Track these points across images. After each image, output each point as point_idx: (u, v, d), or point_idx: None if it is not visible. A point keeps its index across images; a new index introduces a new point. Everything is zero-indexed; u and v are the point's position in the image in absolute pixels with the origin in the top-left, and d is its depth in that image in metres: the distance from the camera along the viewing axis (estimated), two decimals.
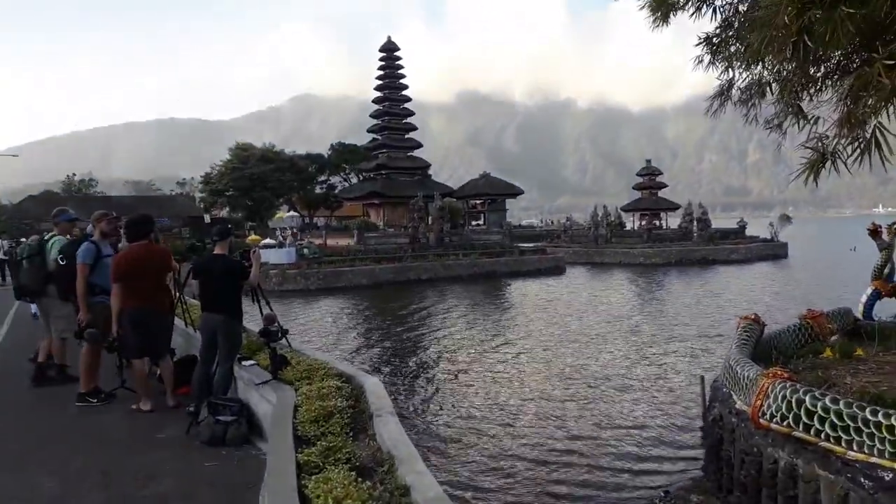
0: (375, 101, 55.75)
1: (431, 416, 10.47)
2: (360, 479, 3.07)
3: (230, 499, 4.20)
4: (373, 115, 56.38)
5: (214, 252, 6.15)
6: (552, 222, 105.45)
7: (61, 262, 6.98)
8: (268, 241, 35.15)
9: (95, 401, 6.61)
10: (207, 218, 63.51)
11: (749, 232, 50.90)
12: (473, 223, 53.19)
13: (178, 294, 7.49)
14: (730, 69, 6.22)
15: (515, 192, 55.16)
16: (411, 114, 56.25)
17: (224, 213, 72.45)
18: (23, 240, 16.66)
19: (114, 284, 6.14)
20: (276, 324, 6.19)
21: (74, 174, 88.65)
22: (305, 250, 33.28)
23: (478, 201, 54.02)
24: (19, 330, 11.58)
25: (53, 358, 7.59)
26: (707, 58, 6.37)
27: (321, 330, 19.08)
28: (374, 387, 4.93)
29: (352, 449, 3.65)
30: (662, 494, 7.10)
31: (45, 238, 7.51)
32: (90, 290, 6.68)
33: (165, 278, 6.70)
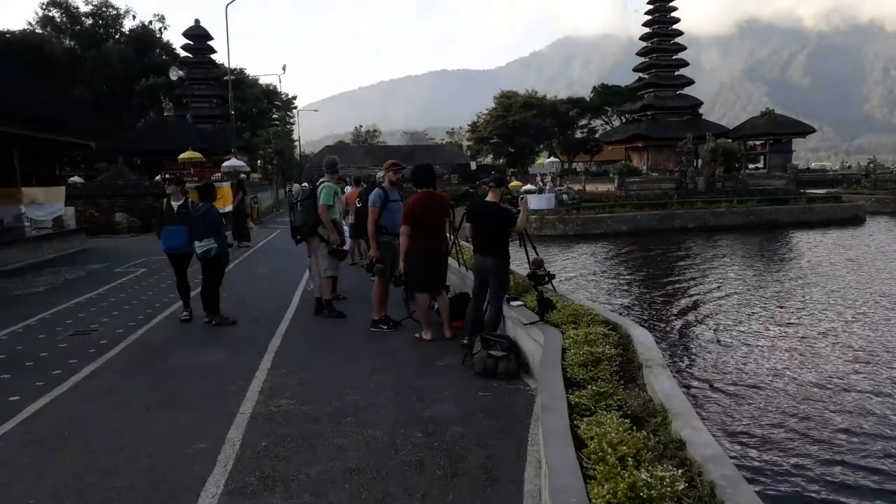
0: (643, 37, 52.72)
1: (697, 373, 10.00)
2: (633, 428, 3.07)
3: (503, 427, 4.51)
4: (639, 53, 53.51)
5: (487, 199, 6.48)
6: (849, 165, 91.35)
7: (358, 205, 7.95)
8: (528, 186, 35.89)
9: (385, 328, 7.50)
10: (473, 165, 66.76)
11: None
12: (751, 167, 48.37)
13: (452, 236, 8.06)
14: None
15: (804, 132, 48.64)
16: (682, 48, 52.22)
17: (488, 159, 75.50)
18: (304, 184, 19.18)
19: (403, 226, 6.83)
20: (542, 268, 6.36)
21: (361, 126, 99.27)
22: (564, 196, 33.36)
23: (757, 142, 48.78)
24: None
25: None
26: None
27: (578, 276, 19.16)
28: (642, 337, 4.84)
29: (623, 397, 3.65)
30: None
31: (318, 184, 8.36)
32: (378, 231, 7.52)
33: (445, 222, 7.24)
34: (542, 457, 3.25)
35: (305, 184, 9.03)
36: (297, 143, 71.15)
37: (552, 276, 6.33)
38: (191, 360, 6.55)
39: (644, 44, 52.65)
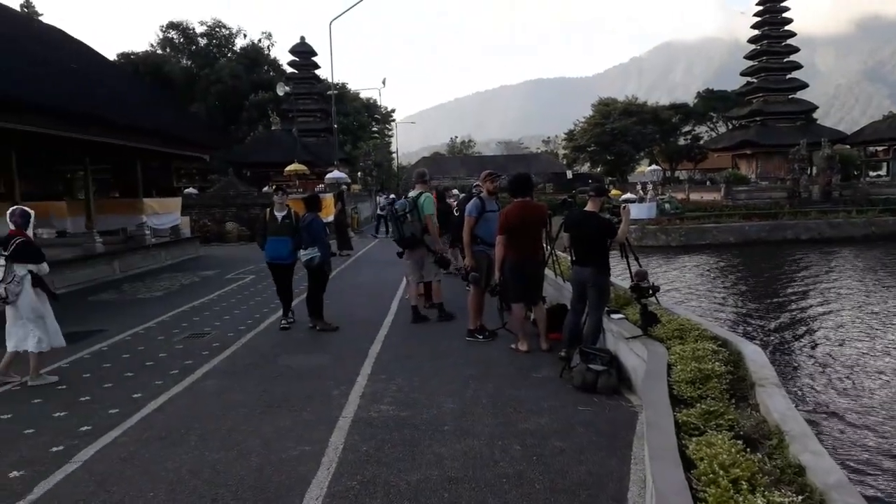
0: (751, 40, 50.41)
1: (812, 395, 9.36)
2: (746, 450, 2.90)
3: (604, 443, 4.39)
4: (747, 57, 51.16)
5: (586, 208, 6.35)
6: None
7: (455, 213, 8.02)
8: (627, 195, 34.99)
9: (481, 337, 7.50)
10: (569, 174, 65.91)
11: None
12: (872, 174, 45.07)
13: (549, 247, 7.96)
14: None
15: None
16: (794, 50, 49.47)
17: (585, 168, 74.30)
18: (392, 196, 19.28)
19: (499, 236, 6.81)
20: (646, 280, 6.16)
21: (456, 136, 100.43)
22: (667, 205, 32.29)
23: (879, 148, 45.34)
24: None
25: (431, 298, 9.00)
26: None
27: (682, 289, 18.43)
28: (754, 354, 4.58)
29: (734, 417, 3.46)
30: None
31: (416, 195, 8.41)
32: (472, 240, 7.54)
33: (542, 232, 7.17)
34: (648, 476, 3.13)
35: (392, 195, 9.34)
36: (394, 155, 72.81)
37: (656, 289, 6.12)
38: (296, 363, 6.80)
39: (752, 46, 50.34)
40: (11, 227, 6.25)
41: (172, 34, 58.70)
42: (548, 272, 8.15)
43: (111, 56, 40.78)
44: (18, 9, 38.40)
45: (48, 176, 19.80)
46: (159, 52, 57.73)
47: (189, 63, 57.41)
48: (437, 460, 4.16)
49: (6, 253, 6.07)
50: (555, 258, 8.28)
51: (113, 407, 5.47)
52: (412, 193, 8.58)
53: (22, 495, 3.84)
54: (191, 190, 34.35)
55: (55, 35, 17.28)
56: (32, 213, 6.43)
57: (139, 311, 10.30)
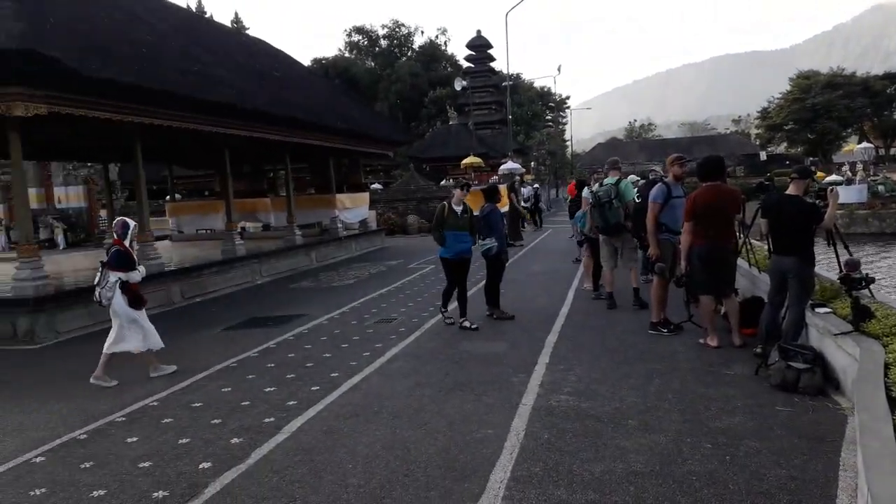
0: None
1: None
2: None
3: (808, 446, 4.02)
4: None
5: (788, 192, 5.83)
6: None
7: (637, 201, 7.75)
8: (833, 177, 31.50)
9: (665, 331, 7.17)
10: (763, 155, 60.73)
11: None
12: None
13: (742, 234, 7.41)
14: None
15: None
16: None
17: (780, 148, 68.06)
18: (536, 185, 18.73)
19: (686, 223, 6.48)
20: (858, 270, 5.52)
21: (635, 120, 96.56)
22: (880, 187, 28.63)
23: None
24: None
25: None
26: None
27: None
28: None
29: None
30: None
31: (615, 181, 8.38)
32: (658, 228, 7.21)
33: (734, 218, 6.70)
34: (863, 485, 2.84)
35: (536, 185, 9.34)
36: (568, 143, 71.75)
37: (871, 280, 5.46)
38: (476, 349, 7.00)
39: None
40: (114, 236, 6.68)
41: (357, 38, 62.70)
42: (740, 262, 7.60)
43: (305, 62, 44.41)
44: (229, 24, 43.28)
45: (255, 175, 22.07)
46: (346, 55, 61.97)
47: (372, 64, 61.02)
48: (621, 453, 4.08)
49: (104, 260, 6.54)
50: (749, 246, 7.70)
51: (314, 384, 6.01)
52: (608, 180, 8.51)
53: (242, 459, 4.36)
54: (376, 185, 36.50)
55: (259, 46, 19.24)
56: (133, 224, 6.78)
57: (333, 297, 11.19)
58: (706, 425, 4.49)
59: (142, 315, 6.57)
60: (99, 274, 6.44)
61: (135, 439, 4.85)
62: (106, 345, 6.45)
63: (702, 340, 6.63)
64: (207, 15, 41.94)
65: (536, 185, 30.41)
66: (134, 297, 6.48)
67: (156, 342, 6.63)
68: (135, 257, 6.65)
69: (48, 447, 4.81)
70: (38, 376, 7.05)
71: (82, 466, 4.39)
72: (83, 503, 3.85)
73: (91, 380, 6.41)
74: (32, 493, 4.01)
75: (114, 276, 6.39)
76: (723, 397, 5.03)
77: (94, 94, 9.10)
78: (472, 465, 4.04)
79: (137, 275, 6.53)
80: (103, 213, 24.45)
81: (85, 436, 5.01)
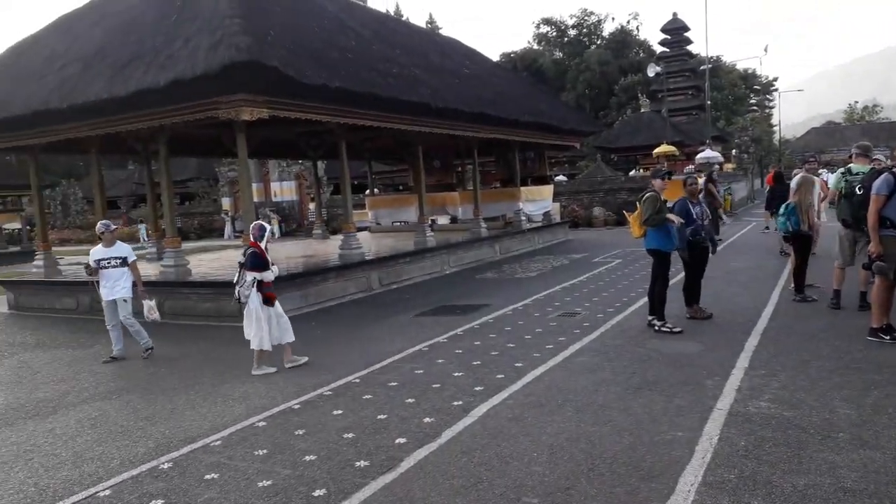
0: None
1: None
2: None
3: None
4: None
5: None
6: None
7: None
8: None
9: (888, 338, 6.38)
10: None
11: None
12: None
13: None
14: None
15: None
16: None
17: None
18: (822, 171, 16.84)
19: None
20: None
21: (856, 102, 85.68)
22: None
23: None
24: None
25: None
26: None
27: None
28: None
29: None
30: None
31: (869, 170, 7.16)
32: (881, 223, 6.40)
33: None
34: None
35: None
36: (775, 128, 65.61)
37: None
38: (666, 349, 6.74)
39: None
40: (251, 238, 7.07)
41: (545, 29, 62.47)
42: None
43: (495, 57, 45.22)
44: (424, 25, 45.34)
45: (444, 170, 22.95)
46: (534, 47, 62.02)
47: (560, 55, 60.47)
48: (830, 468, 3.73)
49: (241, 261, 6.93)
50: None
51: (499, 372, 6.19)
52: (858, 168, 7.54)
53: (434, 438, 4.64)
54: (560, 177, 36.22)
55: (452, 44, 19.94)
56: (269, 227, 7.17)
57: (516, 289, 11.36)
58: None
59: (276, 312, 6.97)
60: (237, 273, 6.97)
61: (339, 412, 5.37)
62: (255, 340, 6.87)
63: None
64: (404, 17, 44.27)
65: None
66: (266, 296, 6.93)
67: (289, 336, 7.03)
68: (268, 258, 7.07)
69: (268, 413, 5.49)
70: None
71: (296, 433, 4.96)
72: (298, 466, 4.35)
73: (287, 364, 7.02)
74: (256, 454, 4.61)
75: (250, 276, 6.82)
76: None
77: (308, 99, 10.08)
78: (659, 466, 3.93)
79: (270, 274, 6.97)
80: (312, 205, 26.95)
81: (298, 406, 5.64)
